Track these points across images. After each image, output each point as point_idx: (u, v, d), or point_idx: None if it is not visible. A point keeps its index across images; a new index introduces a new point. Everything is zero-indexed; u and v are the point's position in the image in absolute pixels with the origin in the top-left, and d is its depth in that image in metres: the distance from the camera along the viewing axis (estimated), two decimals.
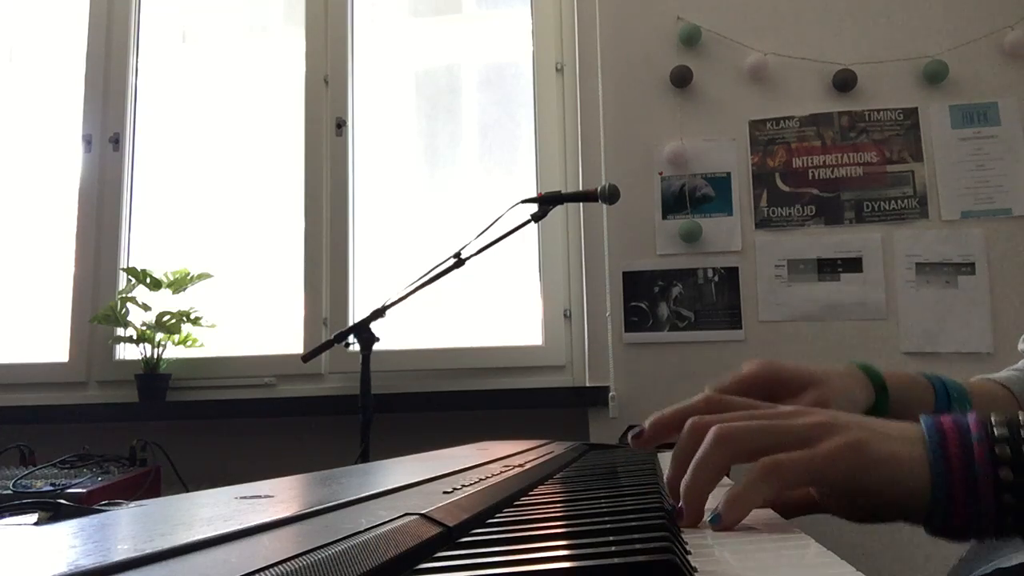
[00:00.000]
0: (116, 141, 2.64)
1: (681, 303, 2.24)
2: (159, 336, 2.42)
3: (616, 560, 0.34)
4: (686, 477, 0.54)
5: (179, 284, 2.46)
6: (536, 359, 2.38)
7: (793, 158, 2.27)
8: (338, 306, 2.47)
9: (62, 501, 0.49)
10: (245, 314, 2.56)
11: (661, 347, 2.23)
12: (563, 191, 2.08)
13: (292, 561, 0.28)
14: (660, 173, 2.30)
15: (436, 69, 2.69)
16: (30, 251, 2.71)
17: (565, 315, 2.38)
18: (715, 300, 2.23)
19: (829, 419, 0.54)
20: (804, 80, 2.28)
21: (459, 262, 1.87)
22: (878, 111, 2.25)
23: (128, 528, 0.39)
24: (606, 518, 0.47)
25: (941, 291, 2.16)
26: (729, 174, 2.28)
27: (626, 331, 2.24)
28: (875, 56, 2.25)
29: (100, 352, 2.53)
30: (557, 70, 2.50)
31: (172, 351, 2.46)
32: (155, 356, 2.42)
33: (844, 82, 2.24)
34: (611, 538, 0.40)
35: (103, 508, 0.48)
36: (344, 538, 0.33)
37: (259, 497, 0.48)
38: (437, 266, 1.88)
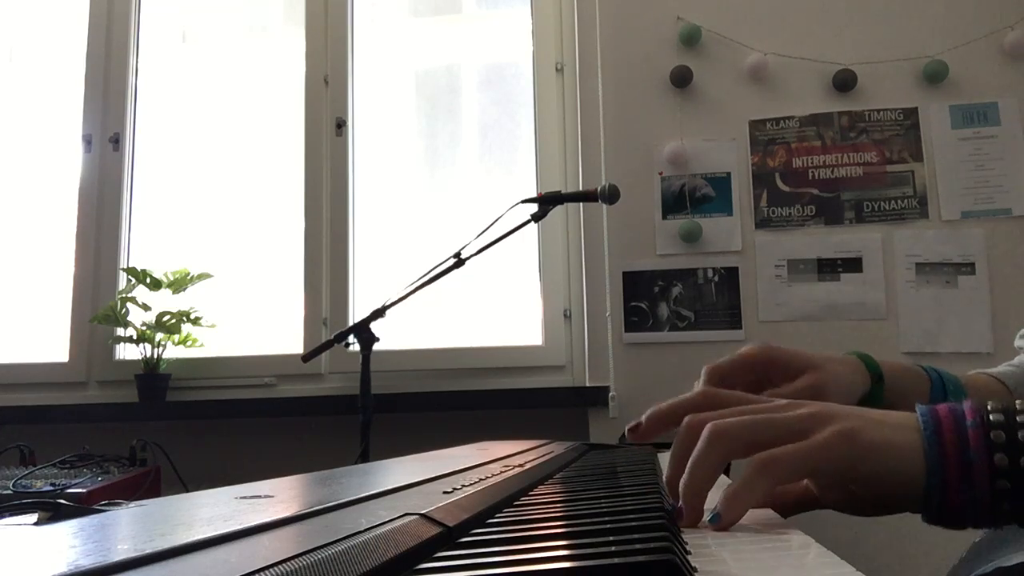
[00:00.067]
0: (116, 141, 2.64)
1: (681, 303, 2.24)
2: (159, 336, 2.42)
3: (616, 560, 0.34)
4: (684, 476, 0.54)
5: (179, 284, 2.46)
6: (536, 359, 2.38)
7: (793, 158, 2.27)
8: (338, 306, 2.47)
9: (62, 501, 0.49)
10: (245, 314, 2.56)
11: (661, 347, 2.23)
12: (563, 191, 2.08)
13: (292, 561, 0.28)
14: (660, 173, 2.30)
15: (436, 69, 2.69)
16: (30, 251, 2.71)
17: (565, 315, 2.38)
18: (715, 300, 2.24)
19: (822, 410, 0.54)
20: (804, 80, 2.28)
21: (459, 262, 1.87)
22: (878, 111, 2.25)
23: (128, 528, 0.39)
24: (606, 518, 0.47)
25: (941, 291, 2.16)
26: (729, 174, 2.28)
27: (626, 331, 2.24)
28: (875, 56, 2.25)
29: (100, 352, 2.53)
30: (557, 70, 2.50)
31: (172, 351, 2.46)
32: (155, 356, 2.42)
33: (844, 82, 2.24)
34: (611, 538, 0.40)
35: (103, 508, 0.48)
36: (344, 538, 0.33)
37: (259, 497, 0.48)
38: (437, 266, 1.88)
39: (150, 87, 2.72)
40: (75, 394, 2.50)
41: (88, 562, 0.26)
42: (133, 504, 0.50)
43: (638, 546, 0.37)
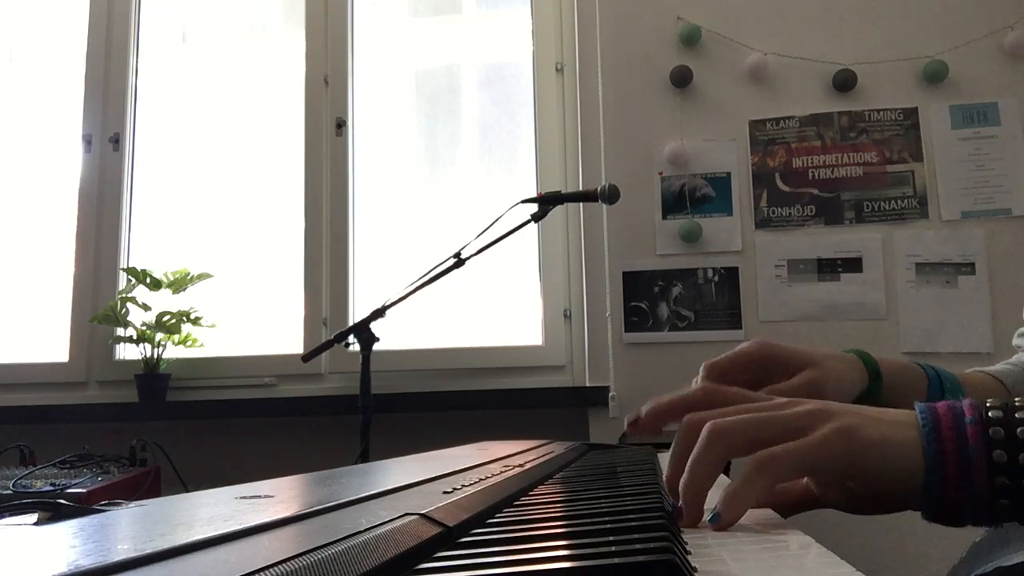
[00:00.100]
0: (116, 141, 2.64)
1: (681, 303, 2.24)
2: (159, 336, 2.42)
3: (616, 560, 0.34)
4: (684, 476, 0.54)
5: (179, 284, 2.46)
6: (536, 359, 2.38)
7: (793, 158, 2.27)
8: (338, 306, 2.47)
9: (62, 501, 0.49)
10: (245, 314, 2.56)
11: (661, 347, 2.23)
12: (563, 191, 2.08)
13: (292, 561, 0.28)
14: (660, 173, 2.30)
15: (436, 69, 2.69)
16: (30, 251, 2.71)
17: (565, 315, 2.38)
18: (715, 300, 2.24)
19: (821, 407, 0.54)
20: (804, 80, 2.28)
21: (459, 262, 1.87)
22: (878, 111, 2.25)
23: (128, 528, 0.39)
24: (606, 518, 0.47)
25: (941, 291, 2.16)
26: (729, 174, 2.28)
27: (626, 331, 2.24)
28: (875, 56, 2.25)
29: (100, 352, 2.54)
30: (557, 70, 2.50)
31: (172, 351, 2.46)
32: (155, 356, 2.42)
33: (844, 82, 2.24)
34: (611, 538, 0.40)
35: (103, 508, 0.48)
36: (344, 538, 0.33)
37: (259, 497, 0.48)
38: (437, 266, 1.88)
39: (150, 87, 2.72)
40: (75, 394, 2.50)
41: (88, 562, 0.26)
42: (133, 504, 0.50)
43: (638, 546, 0.37)
